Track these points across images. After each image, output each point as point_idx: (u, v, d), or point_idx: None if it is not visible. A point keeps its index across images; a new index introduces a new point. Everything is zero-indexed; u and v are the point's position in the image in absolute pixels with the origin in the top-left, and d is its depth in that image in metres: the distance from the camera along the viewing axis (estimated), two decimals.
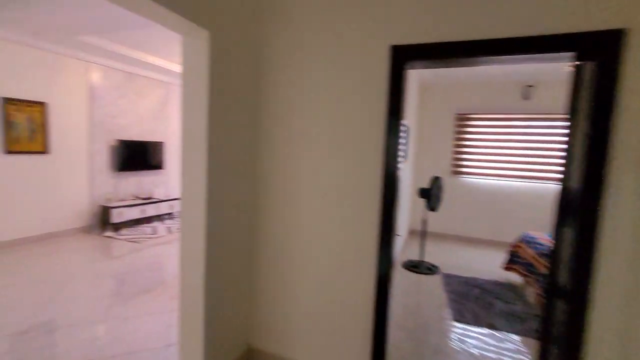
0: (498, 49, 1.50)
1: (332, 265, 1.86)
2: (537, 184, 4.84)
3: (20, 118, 4.03)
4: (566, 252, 1.50)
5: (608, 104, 1.33)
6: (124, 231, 4.99)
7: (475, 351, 2.26)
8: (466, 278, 3.56)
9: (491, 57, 1.57)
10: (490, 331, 2.52)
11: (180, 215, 1.72)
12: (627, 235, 1.35)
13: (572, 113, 1.49)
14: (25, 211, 4.17)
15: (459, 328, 2.56)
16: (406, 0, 1.62)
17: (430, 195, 3.69)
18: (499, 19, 1.47)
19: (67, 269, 3.47)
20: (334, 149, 1.81)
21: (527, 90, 4.74)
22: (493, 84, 4.94)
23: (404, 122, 1.66)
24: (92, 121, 4.86)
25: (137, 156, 5.48)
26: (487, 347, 2.32)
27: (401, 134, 1.70)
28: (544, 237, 3.29)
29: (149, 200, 5.50)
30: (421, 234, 4.03)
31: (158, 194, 5.74)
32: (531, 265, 3.01)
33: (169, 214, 5.93)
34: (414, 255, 4.13)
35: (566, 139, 1.50)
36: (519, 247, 3.34)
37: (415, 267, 3.78)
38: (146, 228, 5.25)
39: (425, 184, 4.02)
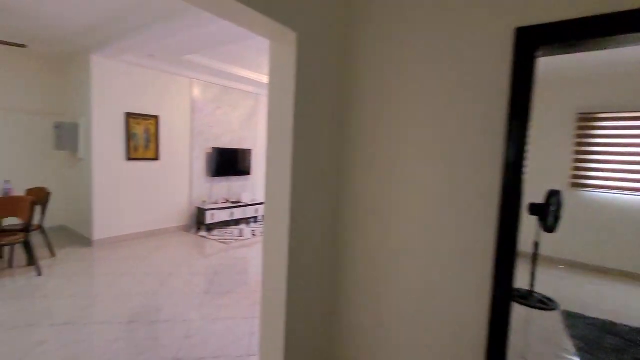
0: None
1: (429, 283, 1.57)
2: None
3: (139, 130, 4.70)
4: None
5: None
6: (215, 232, 5.40)
7: None
8: (598, 320, 2.79)
9: None
10: None
11: (264, 224, 1.66)
12: None
13: None
14: (140, 210, 4.84)
15: None
16: None
17: (547, 212, 3.03)
18: None
19: (169, 264, 3.85)
20: (436, 154, 1.53)
21: None
22: (631, 74, 3.89)
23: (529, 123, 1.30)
24: (193, 131, 5.42)
25: (228, 162, 5.92)
26: None
27: (527, 139, 1.33)
28: None
29: (237, 204, 5.88)
30: (532, 259, 3.34)
31: (245, 198, 6.11)
32: None
33: (254, 217, 6.25)
34: (522, 283, 3.46)
35: None
36: None
37: (523, 298, 3.14)
38: (234, 230, 5.61)
39: (536, 197, 3.33)
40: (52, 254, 3.89)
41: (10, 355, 2.08)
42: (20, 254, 3.74)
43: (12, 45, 3.20)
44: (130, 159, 4.65)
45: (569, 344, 2.45)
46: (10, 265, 3.56)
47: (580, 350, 2.35)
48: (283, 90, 1.50)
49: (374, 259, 1.74)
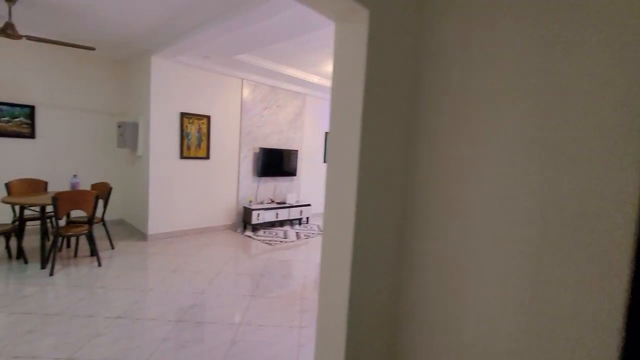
0: None
1: (521, 314, 1.27)
2: None
3: (192, 129, 4.82)
4: None
5: None
6: (260, 232, 5.38)
7: None
8: None
9: None
10: None
11: (323, 225, 1.48)
12: None
13: None
14: (191, 208, 4.96)
15: None
16: None
17: None
18: None
19: (217, 262, 3.86)
20: (540, 157, 1.23)
21: None
22: None
23: None
24: (242, 131, 5.47)
25: (275, 163, 5.89)
26: None
27: None
28: None
29: (282, 205, 5.82)
30: None
31: (290, 199, 6.03)
32: None
33: (299, 219, 6.16)
34: None
35: None
36: None
37: None
38: (279, 231, 5.55)
39: None
40: (112, 246, 4.09)
41: (71, 344, 2.13)
42: (84, 244, 3.98)
43: (83, 48, 3.40)
44: (183, 157, 4.78)
45: None
46: (75, 254, 3.79)
47: None
48: (351, 77, 1.30)
49: (449, 276, 1.47)
